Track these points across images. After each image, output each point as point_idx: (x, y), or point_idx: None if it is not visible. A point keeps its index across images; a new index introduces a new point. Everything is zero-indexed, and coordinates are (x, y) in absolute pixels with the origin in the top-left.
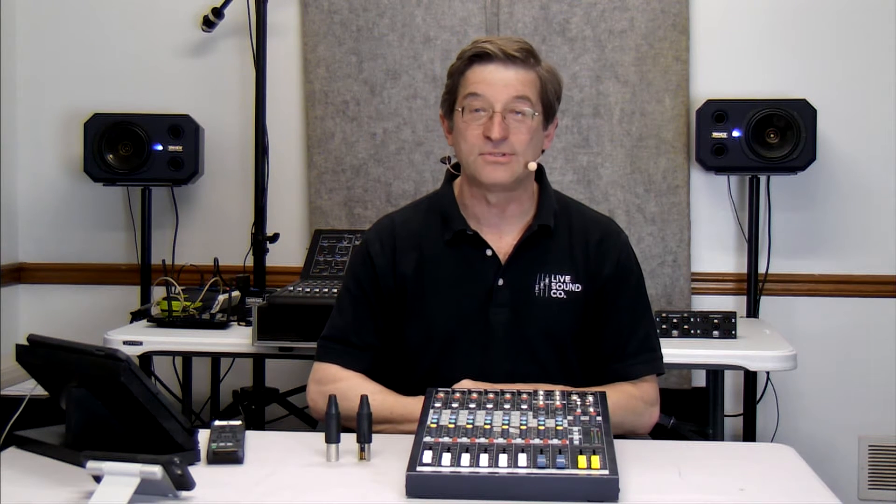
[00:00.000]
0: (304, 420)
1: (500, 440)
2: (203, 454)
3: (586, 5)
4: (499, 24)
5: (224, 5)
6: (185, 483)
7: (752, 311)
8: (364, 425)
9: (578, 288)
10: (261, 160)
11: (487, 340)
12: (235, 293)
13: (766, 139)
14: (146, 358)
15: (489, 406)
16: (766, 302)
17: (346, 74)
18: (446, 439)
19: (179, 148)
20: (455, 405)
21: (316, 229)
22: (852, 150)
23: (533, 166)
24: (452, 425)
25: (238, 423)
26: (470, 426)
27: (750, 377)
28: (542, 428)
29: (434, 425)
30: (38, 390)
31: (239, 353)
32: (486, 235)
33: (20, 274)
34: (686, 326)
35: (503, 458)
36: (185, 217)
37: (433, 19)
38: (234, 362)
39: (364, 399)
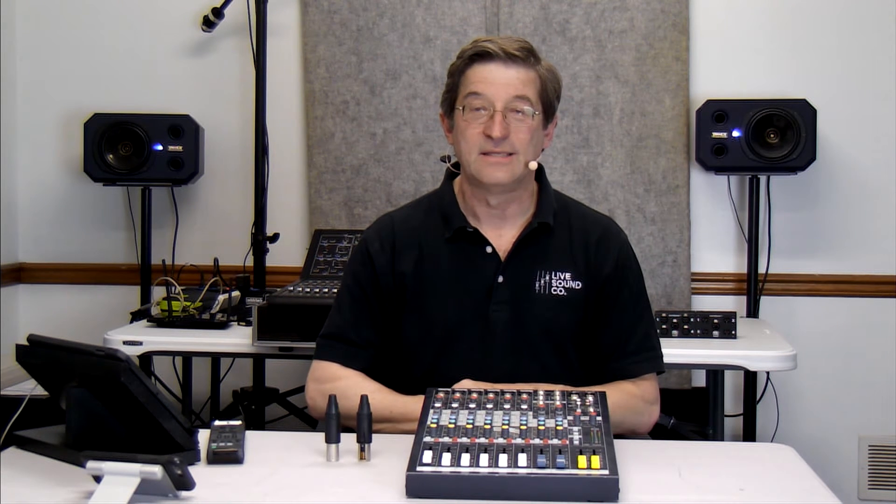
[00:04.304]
0: (304, 420)
1: (500, 440)
2: (203, 454)
3: (586, 5)
4: (499, 24)
5: (224, 5)
6: (185, 483)
7: (752, 311)
8: (364, 425)
9: (579, 285)
10: (261, 160)
11: (487, 338)
12: (235, 293)
13: (766, 139)
14: (146, 358)
15: (489, 406)
16: (766, 302)
17: (346, 74)
18: (446, 439)
19: (179, 148)
20: (455, 405)
21: (316, 229)
22: (852, 150)
23: (533, 165)
24: (452, 425)
25: (238, 423)
26: (470, 426)
27: (750, 377)
28: (542, 428)
29: (434, 425)
30: (38, 390)
31: (239, 353)
32: (485, 232)
33: (20, 274)
34: (686, 326)
35: (503, 458)
36: (185, 217)
37: (433, 19)
38: (234, 362)
39: (364, 399)
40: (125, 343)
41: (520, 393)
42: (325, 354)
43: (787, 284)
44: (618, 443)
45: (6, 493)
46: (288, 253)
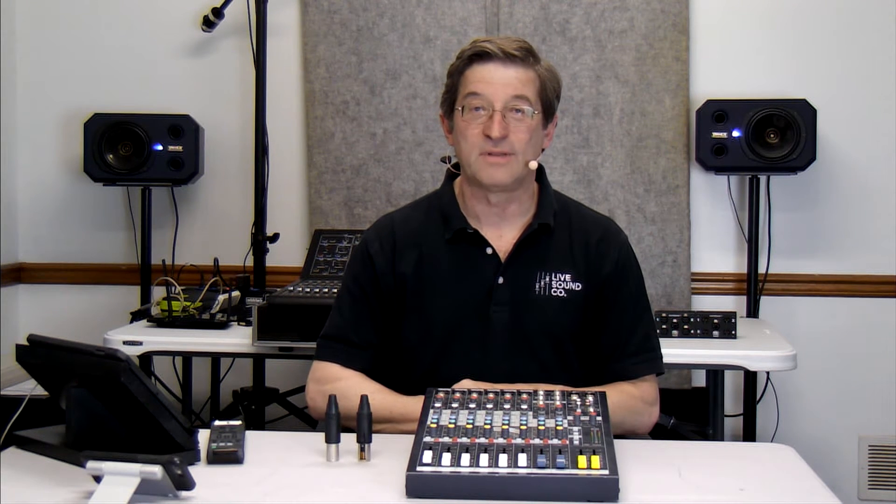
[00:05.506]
0: (304, 420)
1: (500, 440)
2: (203, 454)
3: (586, 5)
4: (499, 24)
5: (224, 5)
6: (185, 483)
7: (752, 311)
8: (364, 425)
9: (578, 287)
10: (261, 160)
11: (487, 339)
12: (235, 293)
13: (766, 139)
14: (146, 358)
15: (489, 406)
16: (766, 302)
17: (346, 74)
18: (446, 439)
19: (179, 148)
20: (455, 405)
21: (316, 229)
22: (852, 150)
23: (533, 165)
24: (452, 425)
25: (238, 423)
26: (470, 426)
27: (750, 377)
28: (542, 428)
29: (434, 425)
30: (38, 390)
31: (239, 353)
32: (486, 234)
33: (20, 274)
34: (686, 326)
35: (503, 458)
36: (185, 217)
37: (433, 19)
38: (234, 362)
39: (364, 399)
40: (125, 343)
41: (520, 393)
42: (326, 355)
43: (787, 284)
44: (618, 443)
45: (6, 493)
46: (288, 253)
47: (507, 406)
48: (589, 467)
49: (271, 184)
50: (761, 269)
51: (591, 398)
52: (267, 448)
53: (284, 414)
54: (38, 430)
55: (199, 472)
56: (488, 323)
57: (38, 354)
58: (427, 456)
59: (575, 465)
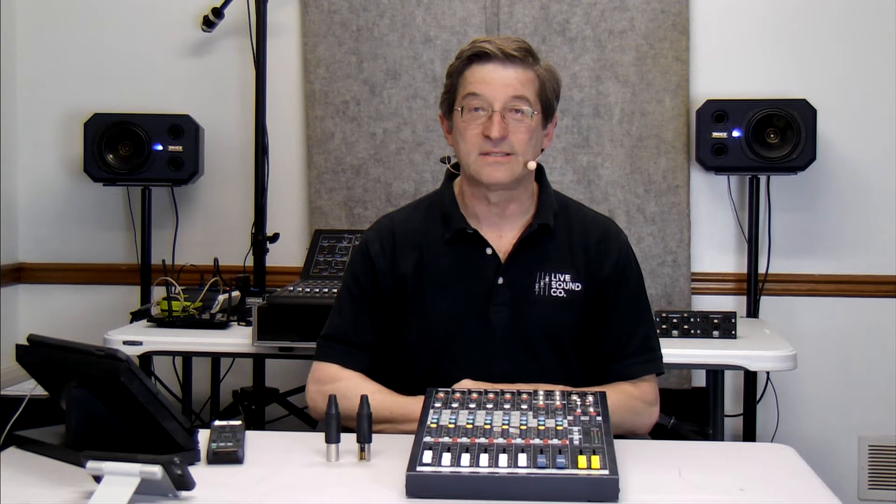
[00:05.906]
0: (304, 420)
1: (500, 440)
2: (203, 454)
3: (586, 5)
4: (499, 24)
5: (224, 5)
6: (185, 483)
7: (752, 311)
8: (364, 425)
9: (578, 287)
10: (261, 160)
11: (487, 339)
12: (235, 293)
13: (766, 139)
14: (146, 358)
15: (489, 406)
16: (766, 302)
17: (346, 74)
18: (446, 439)
19: (179, 148)
20: (455, 405)
21: (316, 229)
22: (852, 150)
23: (532, 165)
24: (452, 425)
25: (238, 423)
26: (470, 426)
27: (750, 377)
28: (542, 428)
29: (434, 425)
30: (38, 390)
31: (239, 353)
32: (486, 234)
33: (20, 274)
34: (686, 326)
35: (503, 458)
36: (185, 217)
37: (433, 19)
38: (234, 362)
39: (364, 399)
40: (125, 343)
41: (520, 393)
42: (326, 355)
43: (787, 284)
44: (618, 443)
45: (6, 493)
46: (288, 253)
47: (507, 406)
48: (589, 467)
49: (271, 184)
50: (761, 269)
51: (591, 398)
52: (267, 448)
53: (284, 414)
54: (38, 430)
55: (199, 472)
56: (488, 323)
57: (38, 354)
58: (427, 456)
59: (575, 465)
